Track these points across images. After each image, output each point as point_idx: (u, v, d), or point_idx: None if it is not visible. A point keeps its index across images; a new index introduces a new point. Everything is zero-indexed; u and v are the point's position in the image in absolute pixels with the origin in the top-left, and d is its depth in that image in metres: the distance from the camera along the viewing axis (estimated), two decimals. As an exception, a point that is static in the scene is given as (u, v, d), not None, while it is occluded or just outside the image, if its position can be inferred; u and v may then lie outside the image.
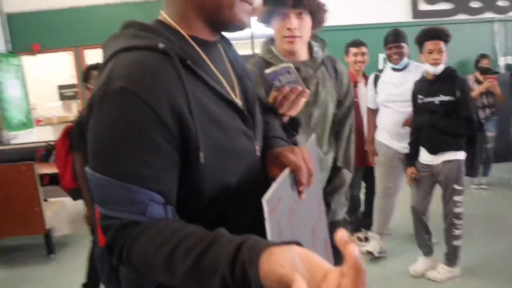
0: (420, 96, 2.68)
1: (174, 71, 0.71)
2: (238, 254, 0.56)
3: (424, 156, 2.74)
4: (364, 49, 3.29)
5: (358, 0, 5.64)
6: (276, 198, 0.68)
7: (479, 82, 4.52)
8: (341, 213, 1.63)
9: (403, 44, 2.91)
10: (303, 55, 1.51)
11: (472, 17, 5.95)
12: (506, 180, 4.75)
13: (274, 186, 0.69)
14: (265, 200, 0.63)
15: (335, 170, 1.61)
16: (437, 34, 2.56)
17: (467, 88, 2.67)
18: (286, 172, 0.78)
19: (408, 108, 2.83)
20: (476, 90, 4.41)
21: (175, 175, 0.72)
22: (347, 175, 1.63)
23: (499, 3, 6.03)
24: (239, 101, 0.85)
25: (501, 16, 6.03)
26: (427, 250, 2.85)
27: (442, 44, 2.55)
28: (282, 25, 1.41)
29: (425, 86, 2.68)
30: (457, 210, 2.69)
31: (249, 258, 0.55)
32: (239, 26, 0.82)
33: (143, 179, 0.67)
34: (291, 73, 1.14)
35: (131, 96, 0.66)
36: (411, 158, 2.81)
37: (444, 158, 2.66)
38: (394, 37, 2.94)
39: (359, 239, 3.46)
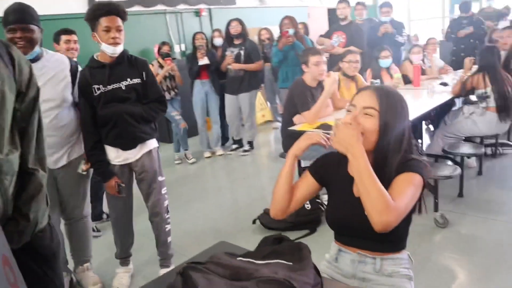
0: (97, 86, 2.24)
1: None
2: None
3: (117, 157, 2.36)
4: (75, 37, 3.19)
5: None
6: None
7: (162, 67, 4.88)
8: (45, 221, 1.41)
9: (32, 27, 2.04)
10: None
11: (147, 8, 6.39)
12: (196, 150, 5.42)
13: None
14: None
15: (27, 175, 1.34)
16: (116, 10, 2.20)
17: (150, 69, 2.44)
18: None
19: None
20: (160, 74, 4.79)
21: None
22: (43, 176, 1.39)
23: (170, -4, 6.72)
24: None
25: (172, 8, 6.72)
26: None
27: (120, 22, 2.23)
28: None
29: (104, 72, 2.26)
30: (166, 203, 2.55)
31: None
32: None
33: None
34: None
35: None
36: (106, 169, 2.35)
37: (144, 149, 2.40)
38: (19, 15, 2.01)
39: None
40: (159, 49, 5.13)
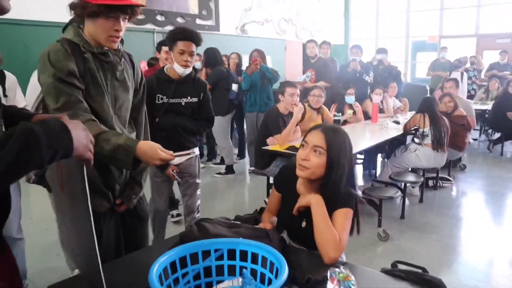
0: (161, 96, 2.60)
1: None
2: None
3: None
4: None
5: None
6: None
7: None
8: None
9: None
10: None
11: (138, 26, 7.04)
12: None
13: None
14: None
15: None
16: (192, 36, 2.47)
17: (207, 90, 2.81)
18: None
19: None
20: None
21: None
22: None
23: (158, 18, 7.53)
24: None
25: (160, 29, 7.52)
26: None
27: (194, 47, 2.50)
28: (110, 25, 1.55)
29: (170, 86, 2.61)
30: (198, 202, 2.92)
31: None
32: None
33: None
34: None
35: None
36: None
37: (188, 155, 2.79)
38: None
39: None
40: (150, 64, 5.52)
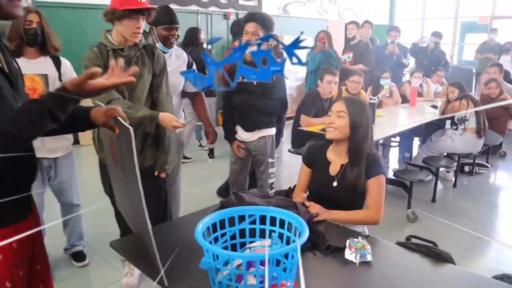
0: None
1: None
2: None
3: (241, 134, 2.94)
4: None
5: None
6: None
7: None
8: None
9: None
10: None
11: (181, 7, 7.15)
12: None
13: None
14: None
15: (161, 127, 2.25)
16: (254, 17, 2.70)
17: None
18: None
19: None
20: None
21: None
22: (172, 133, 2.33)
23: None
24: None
25: (204, 10, 7.62)
26: None
27: (258, 27, 2.63)
28: (133, 24, 2.09)
29: None
30: (271, 181, 3.04)
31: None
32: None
33: None
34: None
35: None
36: (231, 134, 2.96)
37: (260, 134, 2.93)
38: (175, 17, 2.67)
39: None
40: None
